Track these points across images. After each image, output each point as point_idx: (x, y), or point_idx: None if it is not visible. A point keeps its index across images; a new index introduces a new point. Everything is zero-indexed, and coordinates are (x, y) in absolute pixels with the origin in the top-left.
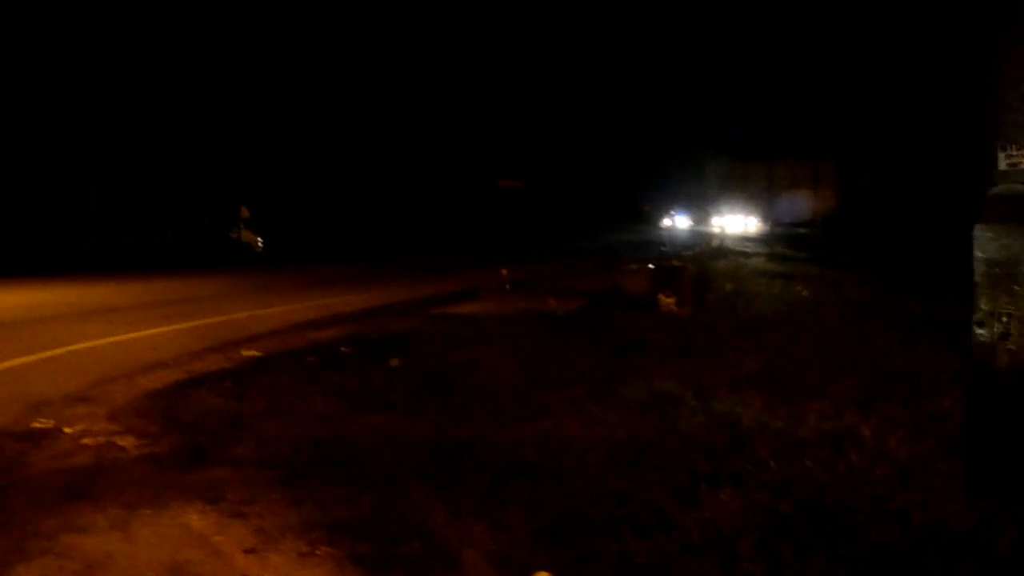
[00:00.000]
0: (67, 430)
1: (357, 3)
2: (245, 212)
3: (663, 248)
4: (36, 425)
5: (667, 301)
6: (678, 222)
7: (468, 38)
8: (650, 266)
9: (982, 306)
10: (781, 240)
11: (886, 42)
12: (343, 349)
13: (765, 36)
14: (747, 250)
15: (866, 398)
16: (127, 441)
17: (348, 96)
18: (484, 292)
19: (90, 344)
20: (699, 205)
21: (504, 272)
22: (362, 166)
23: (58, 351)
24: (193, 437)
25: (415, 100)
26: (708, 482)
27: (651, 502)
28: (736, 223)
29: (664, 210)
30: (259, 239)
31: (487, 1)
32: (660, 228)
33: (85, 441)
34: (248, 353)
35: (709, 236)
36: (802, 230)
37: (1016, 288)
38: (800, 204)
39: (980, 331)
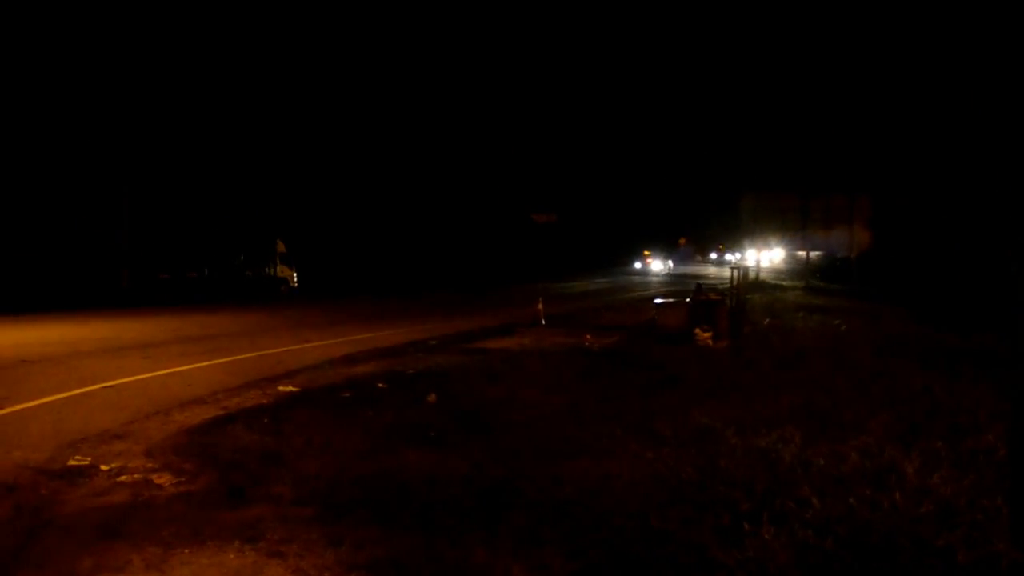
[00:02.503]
0: (103, 467)
1: (392, 41)
2: (281, 247)
3: (699, 282)
4: (72, 462)
5: (704, 336)
6: (654, 265)
7: (505, 76)
8: (687, 300)
9: None
10: (816, 273)
11: (924, 77)
12: (379, 385)
13: (802, 72)
14: (783, 283)
15: (906, 434)
16: (164, 479)
17: (383, 131)
18: (520, 327)
19: (127, 380)
20: (695, 243)
21: (540, 307)
22: (396, 200)
23: (95, 387)
24: (230, 475)
25: (450, 135)
26: (750, 520)
27: (693, 541)
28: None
29: (640, 250)
30: (294, 274)
31: (523, 40)
32: (630, 271)
33: (121, 479)
34: (284, 389)
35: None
36: (837, 263)
37: None
38: (836, 238)
39: None
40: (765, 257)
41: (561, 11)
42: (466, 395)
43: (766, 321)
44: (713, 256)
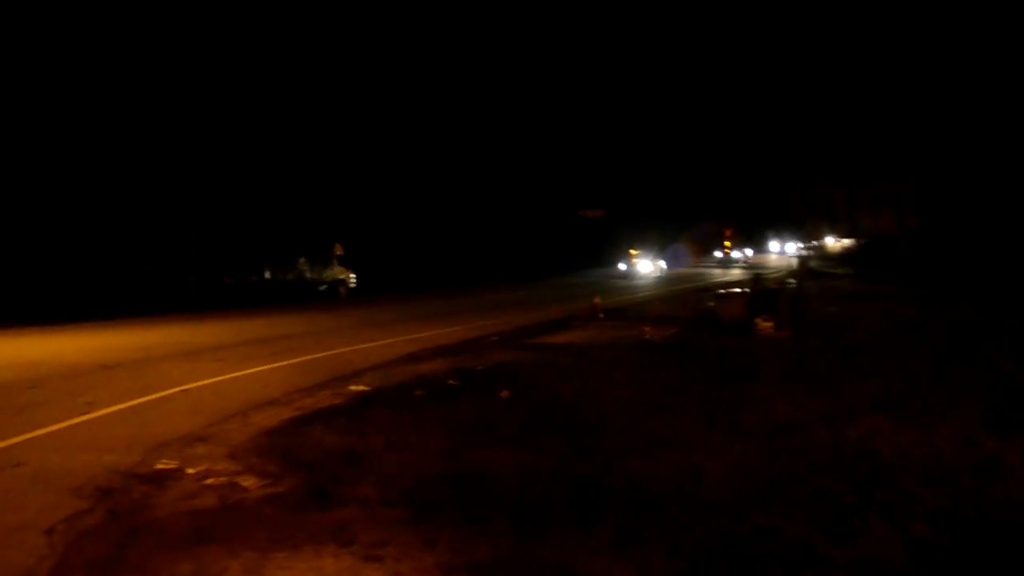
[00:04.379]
0: (190, 471)
1: (445, 44)
2: (339, 249)
3: (758, 272)
4: (160, 466)
5: (765, 325)
6: (641, 266)
7: (552, 77)
8: (746, 291)
9: None
10: (863, 261)
11: (972, 59)
12: (450, 382)
13: (847, 61)
14: (834, 271)
15: (998, 421)
16: (249, 481)
17: (435, 132)
18: (577, 321)
19: (203, 383)
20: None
21: (597, 301)
22: (448, 199)
23: (173, 390)
24: (314, 476)
25: (499, 133)
26: (857, 515)
27: (799, 537)
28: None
29: (624, 248)
30: (352, 275)
31: (568, 39)
32: (614, 273)
33: (208, 481)
34: (356, 388)
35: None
36: (883, 251)
37: None
38: (882, 225)
39: None
40: (790, 249)
41: (604, 9)
42: (538, 391)
43: (831, 309)
44: (718, 255)
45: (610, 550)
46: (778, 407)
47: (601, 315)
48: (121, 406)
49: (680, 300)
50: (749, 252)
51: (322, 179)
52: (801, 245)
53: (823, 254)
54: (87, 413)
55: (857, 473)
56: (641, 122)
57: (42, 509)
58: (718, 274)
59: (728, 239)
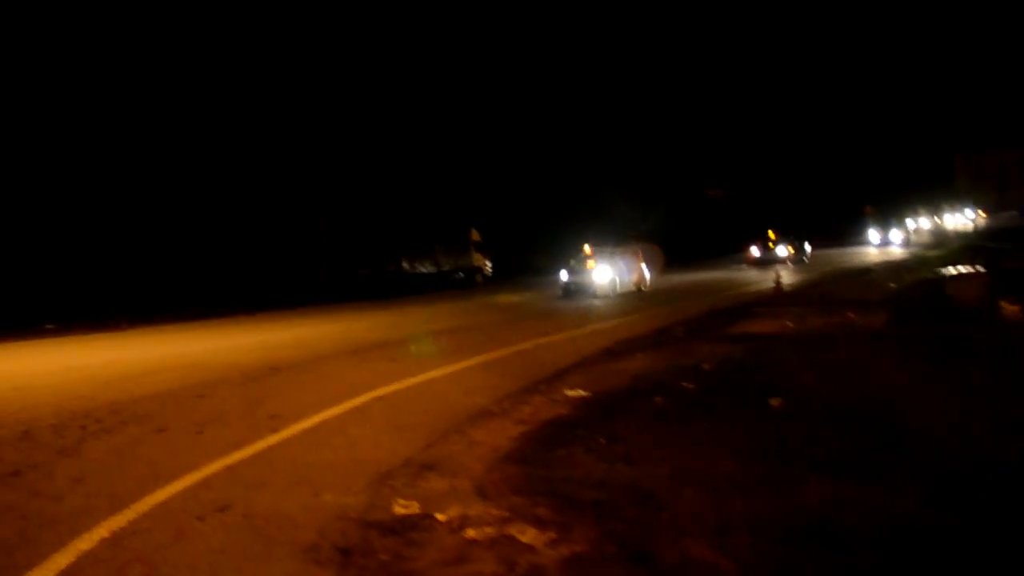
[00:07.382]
0: (440, 517)
1: (569, 28)
2: (476, 235)
3: (991, 246)
4: (399, 510)
5: (1012, 309)
6: (599, 275)
7: (677, 54)
8: (983, 270)
9: None
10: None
11: None
12: (685, 385)
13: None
14: (995, 246)
15: None
16: (527, 535)
17: (561, 113)
18: (757, 306)
19: (389, 389)
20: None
21: (781, 282)
22: (576, 178)
23: (360, 399)
24: (612, 526)
25: (626, 112)
26: None
27: None
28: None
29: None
30: (488, 262)
31: (699, 19)
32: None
33: (470, 534)
34: (572, 393)
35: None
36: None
37: None
38: None
39: None
40: (897, 238)
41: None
42: (810, 397)
43: None
44: (755, 252)
45: None
46: None
47: (782, 298)
48: (312, 420)
49: None
50: (808, 248)
51: (454, 164)
52: (972, 215)
53: (922, 239)
54: (276, 431)
55: None
56: (767, 96)
57: None
58: (752, 281)
59: (868, 214)
